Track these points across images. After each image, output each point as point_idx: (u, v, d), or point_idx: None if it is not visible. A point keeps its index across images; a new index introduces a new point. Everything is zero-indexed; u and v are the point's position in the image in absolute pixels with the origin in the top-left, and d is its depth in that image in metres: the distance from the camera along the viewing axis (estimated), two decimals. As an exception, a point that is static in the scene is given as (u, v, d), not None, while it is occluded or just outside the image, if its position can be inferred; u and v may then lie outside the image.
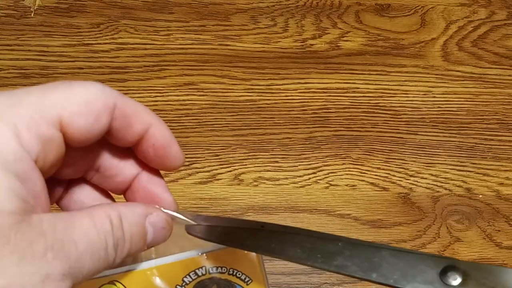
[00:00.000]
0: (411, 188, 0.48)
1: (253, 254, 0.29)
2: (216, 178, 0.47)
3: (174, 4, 0.55)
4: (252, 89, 0.51)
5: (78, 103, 0.20)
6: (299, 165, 0.48)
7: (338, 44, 0.54)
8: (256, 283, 0.29)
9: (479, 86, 0.53)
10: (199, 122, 0.50)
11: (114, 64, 0.52)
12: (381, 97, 0.52)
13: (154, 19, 0.54)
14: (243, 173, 0.48)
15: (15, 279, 0.17)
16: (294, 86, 0.52)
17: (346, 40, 0.55)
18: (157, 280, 0.28)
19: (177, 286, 0.28)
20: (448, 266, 0.21)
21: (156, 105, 0.50)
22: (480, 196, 0.48)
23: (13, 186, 0.18)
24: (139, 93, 0.50)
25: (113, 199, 0.26)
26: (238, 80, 0.52)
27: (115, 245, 0.21)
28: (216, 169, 0.48)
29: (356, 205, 0.47)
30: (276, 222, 0.46)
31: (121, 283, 0.27)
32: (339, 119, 0.51)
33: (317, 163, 0.49)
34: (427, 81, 0.53)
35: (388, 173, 0.49)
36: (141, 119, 0.23)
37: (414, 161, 0.49)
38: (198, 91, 0.51)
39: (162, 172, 0.26)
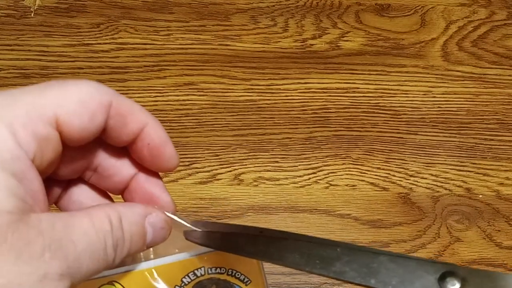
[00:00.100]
0: (411, 188, 0.48)
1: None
2: (216, 178, 0.47)
3: (174, 4, 0.55)
4: (252, 89, 0.51)
5: (74, 102, 0.20)
6: (299, 165, 0.48)
7: (338, 44, 0.54)
8: (255, 283, 0.29)
9: (479, 86, 0.53)
10: (199, 122, 0.50)
11: (114, 64, 0.52)
12: (381, 97, 0.52)
13: (154, 19, 0.54)
14: (243, 173, 0.48)
15: (12, 279, 0.17)
16: (294, 86, 0.52)
17: (346, 40, 0.55)
18: (156, 281, 0.28)
19: (176, 287, 0.28)
20: (447, 272, 0.21)
21: (156, 105, 0.50)
22: (480, 196, 0.48)
23: (10, 185, 0.18)
24: (139, 93, 0.50)
25: (112, 200, 0.26)
26: (238, 80, 0.52)
27: (114, 245, 0.21)
28: (216, 169, 0.48)
29: (356, 205, 0.47)
30: (276, 222, 0.46)
31: (120, 284, 0.27)
32: (339, 119, 0.51)
33: (317, 163, 0.49)
34: (427, 81, 0.53)
35: (388, 173, 0.49)
36: (137, 118, 0.23)
37: (414, 161, 0.49)
38: (198, 91, 0.51)
39: (162, 172, 0.26)
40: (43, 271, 0.18)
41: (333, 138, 0.50)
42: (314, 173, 0.48)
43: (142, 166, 0.25)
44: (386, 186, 0.48)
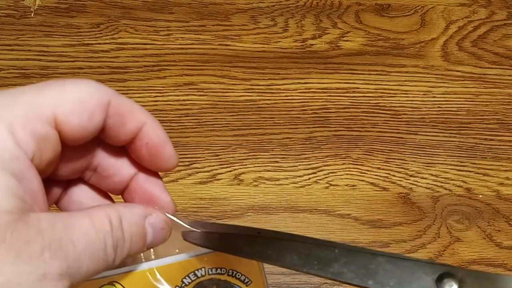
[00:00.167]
0: (411, 188, 0.48)
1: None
2: (216, 178, 0.47)
3: (174, 4, 0.55)
4: (252, 89, 0.51)
5: (73, 101, 0.20)
6: (299, 165, 0.48)
7: (338, 44, 0.54)
8: (256, 284, 0.29)
9: (479, 86, 0.53)
10: (199, 122, 0.50)
11: (114, 64, 0.52)
12: (381, 97, 0.52)
13: (154, 19, 0.54)
14: (243, 173, 0.48)
15: (12, 278, 0.17)
16: (294, 86, 0.52)
17: (346, 40, 0.55)
18: (157, 282, 0.28)
19: (177, 287, 0.28)
20: (445, 273, 0.21)
21: (156, 105, 0.50)
22: (480, 196, 0.48)
23: (9, 184, 0.18)
24: (139, 93, 0.50)
25: (112, 200, 0.26)
26: (238, 80, 0.52)
27: (114, 246, 0.21)
28: (216, 169, 0.48)
29: (356, 205, 0.47)
30: (276, 222, 0.46)
31: (120, 284, 0.27)
32: (339, 119, 0.51)
33: (317, 163, 0.49)
34: (427, 81, 0.53)
35: (388, 173, 0.49)
36: (135, 117, 0.23)
37: (414, 161, 0.49)
38: (198, 91, 0.51)
39: (161, 172, 0.26)
40: (43, 270, 0.18)
41: (333, 138, 0.50)
42: (314, 173, 0.48)
43: (142, 166, 0.25)
44: (386, 186, 0.48)
